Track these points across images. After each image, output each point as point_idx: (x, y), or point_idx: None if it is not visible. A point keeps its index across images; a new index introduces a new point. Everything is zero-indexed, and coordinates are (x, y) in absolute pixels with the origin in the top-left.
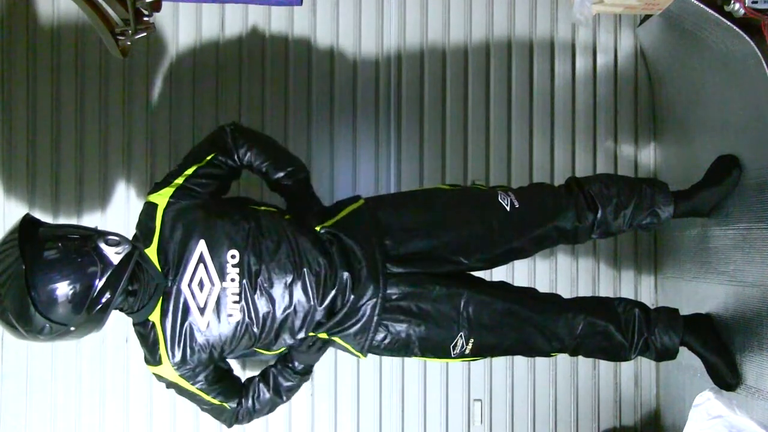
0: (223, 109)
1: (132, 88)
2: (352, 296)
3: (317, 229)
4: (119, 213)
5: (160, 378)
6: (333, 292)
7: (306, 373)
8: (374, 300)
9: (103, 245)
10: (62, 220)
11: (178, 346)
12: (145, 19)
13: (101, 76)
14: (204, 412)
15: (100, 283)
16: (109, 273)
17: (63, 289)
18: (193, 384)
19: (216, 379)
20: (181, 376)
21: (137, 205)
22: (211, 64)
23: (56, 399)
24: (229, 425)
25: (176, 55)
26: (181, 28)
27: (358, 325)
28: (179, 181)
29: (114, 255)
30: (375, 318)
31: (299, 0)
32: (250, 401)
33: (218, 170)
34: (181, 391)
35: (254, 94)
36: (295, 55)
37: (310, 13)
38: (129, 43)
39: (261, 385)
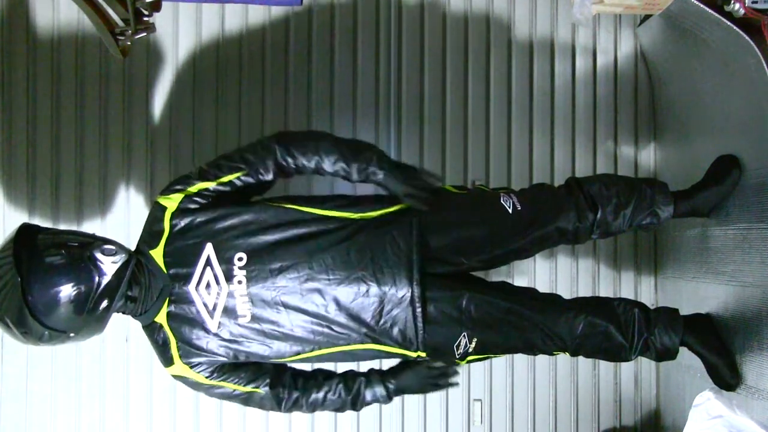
0: (223, 109)
1: (132, 88)
2: (378, 294)
3: (359, 216)
4: (119, 213)
5: (178, 378)
6: (354, 291)
7: (394, 397)
8: (407, 298)
9: (99, 255)
10: (62, 221)
11: (189, 346)
12: (145, 19)
13: (101, 76)
14: (249, 406)
15: (97, 292)
16: (105, 282)
17: (60, 298)
18: (210, 378)
19: (235, 366)
20: (197, 372)
21: (137, 206)
22: (211, 64)
23: (56, 399)
24: (284, 410)
25: (176, 56)
26: (181, 28)
27: (398, 327)
28: (193, 189)
29: (111, 264)
30: (417, 317)
31: (299, 0)
32: (321, 394)
33: (236, 188)
34: (208, 390)
35: (254, 94)
36: (295, 55)
37: (310, 13)
38: (129, 43)
39: (341, 386)
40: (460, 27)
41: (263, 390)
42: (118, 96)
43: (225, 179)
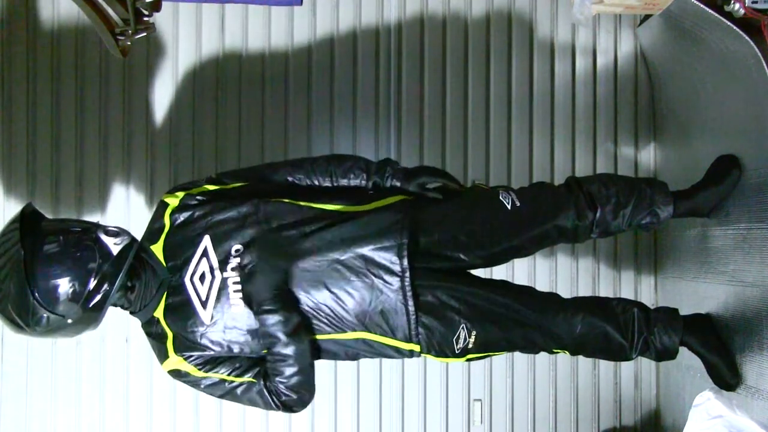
0: (223, 109)
1: (132, 88)
2: (369, 280)
3: (354, 209)
4: (119, 213)
5: (173, 373)
6: (344, 278)
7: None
8: (397, 284)
9: (102, 236)
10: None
11: (184, 338)
12: (145, 19)
13: (101, 76)
14: (247, 404)
15: (98, 273)
16: (107, 263)
17: (62, 278)
18: (203, 369)
19: (230, 356)
20: (190, 362)
21: (137, 205)
22: (211, 64)
23: (56, 398)
24: (277, 407)
25: (176, 55)
26: (181, 28)
27: (388, 315)
28: (197, 189)
29: (113, 245)
30: (409, 303)
31: (299, 0)
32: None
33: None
34: (204, 382)
35: (254, 94)
36: (295, 55)
37: (310, 13)
38: (129, 43)
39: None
40: (460, 27)
41: (259, 383)
42: (118, 96)
43: (229, 186)
